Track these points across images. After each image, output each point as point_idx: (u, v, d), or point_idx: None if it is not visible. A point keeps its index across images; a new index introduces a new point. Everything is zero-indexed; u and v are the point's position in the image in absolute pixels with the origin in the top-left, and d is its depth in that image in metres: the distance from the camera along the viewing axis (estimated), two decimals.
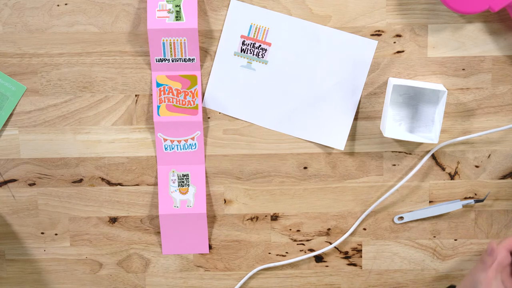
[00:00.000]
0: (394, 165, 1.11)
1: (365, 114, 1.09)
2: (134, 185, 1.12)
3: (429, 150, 1.10)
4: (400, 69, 1.08)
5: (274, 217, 1.13)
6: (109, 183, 1.12)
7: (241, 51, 1.07)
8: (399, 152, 1.10)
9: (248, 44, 1.07)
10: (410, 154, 1.10)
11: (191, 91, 1.08)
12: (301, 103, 1.09)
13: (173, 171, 1.10)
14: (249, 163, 1.11)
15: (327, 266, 1.15)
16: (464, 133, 1.10)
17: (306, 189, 1.12)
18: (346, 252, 1.14)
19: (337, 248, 1.14)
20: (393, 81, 1.04)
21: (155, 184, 1.12)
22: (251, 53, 1.07)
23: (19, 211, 1.13)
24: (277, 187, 1.12)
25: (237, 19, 1.06)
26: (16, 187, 1.12)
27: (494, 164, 1.10)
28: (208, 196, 1.12)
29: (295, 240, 1.14)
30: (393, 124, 1.08)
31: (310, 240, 1.14)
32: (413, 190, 1.12)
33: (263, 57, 1.07)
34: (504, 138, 1.10)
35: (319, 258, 1.14)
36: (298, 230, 1.13)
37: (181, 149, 1.10)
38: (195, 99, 1.08)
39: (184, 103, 1.08)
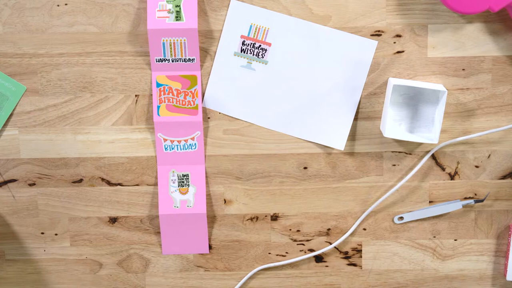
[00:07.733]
0: (394, 165, 1.11)
1: (365, 114, 1.09)
2: (134, 185, 1.12)
3: (429, 150, 1.10)
4: (400, 69, 1.08)
5: (274, 217, 1.13)
6: (109, 183, 1.12)
7: (241, 51, 1.07)
8: (399, 152, 1.10)
9: (248, 44, 1.07)
10: (410, 154, 1.10)
11: (191, 91, 1.08)
12: (301, 103, 1.09)
13: (173, 171, 1.10)
14: (249, 163, 1.11)
15: (327, 266, 1.14)
16: (464, 133, 1.10)
17: (306, 189, 1.12)
18: (346, 252, 1.14)
19: (337, 248, 1.14)
20: (393, 81, 1.04)
21: (155, 184, 1.12)
22: (251, 53, 1.07)
23: (19, 211, 1.13)
24: (277, 187, 1.12)
25: (237, 19, 1.06)
26: (16, 187, 1.12)
27: (494, 164, 1.10)
28: (208, 196, 1.12)
29: (295, 240, 1.14)
30: (393, 124, 1.08)
31: (310, 240, 1.14)
32: (413, 190, 1.11)
33: (263, 57, 1.07)
34: (504, 138, 1.10)
35: (319, 258, 1.14)
36: (298, 230, 1.13)
37: (181, 149, 1.10)
38: (195, 99, 1.08)
39: (184, 103, 1.08)
